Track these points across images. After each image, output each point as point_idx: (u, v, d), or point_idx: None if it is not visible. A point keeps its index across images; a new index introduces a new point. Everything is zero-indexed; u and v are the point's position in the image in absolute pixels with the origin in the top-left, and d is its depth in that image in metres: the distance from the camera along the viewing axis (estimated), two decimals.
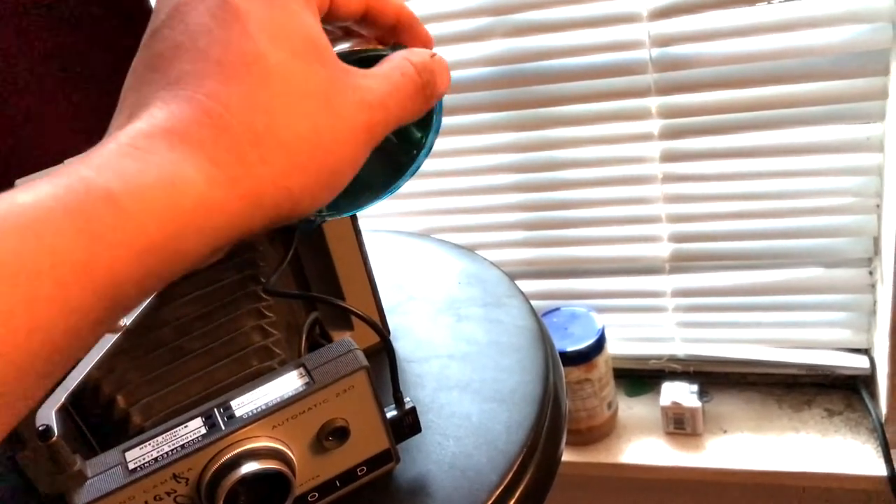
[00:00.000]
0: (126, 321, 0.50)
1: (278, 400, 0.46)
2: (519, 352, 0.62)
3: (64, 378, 0.48)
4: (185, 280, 0.54)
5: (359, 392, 0.48)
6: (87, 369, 0.48)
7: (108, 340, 0.50)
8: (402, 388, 0.52)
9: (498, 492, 0.52)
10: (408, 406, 0.52)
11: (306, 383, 0.47)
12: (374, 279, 0.61)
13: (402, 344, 0.65)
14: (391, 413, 0.51)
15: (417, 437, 0.54)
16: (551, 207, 1.10)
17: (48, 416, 0.44)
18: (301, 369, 0.48)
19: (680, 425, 1.14)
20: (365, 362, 0.48)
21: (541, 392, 0.58)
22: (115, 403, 0.49)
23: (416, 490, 0.53)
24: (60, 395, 0.46)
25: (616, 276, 1.14)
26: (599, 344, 1.09)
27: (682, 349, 1.17)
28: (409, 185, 0.62)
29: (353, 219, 0.58)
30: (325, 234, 0.58)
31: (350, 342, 0.49)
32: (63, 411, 0.45)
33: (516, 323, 0.65)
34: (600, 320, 1.11)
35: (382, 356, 0.50)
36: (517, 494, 0.53)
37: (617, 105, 1.00)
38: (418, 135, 0.52)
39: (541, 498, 0.55)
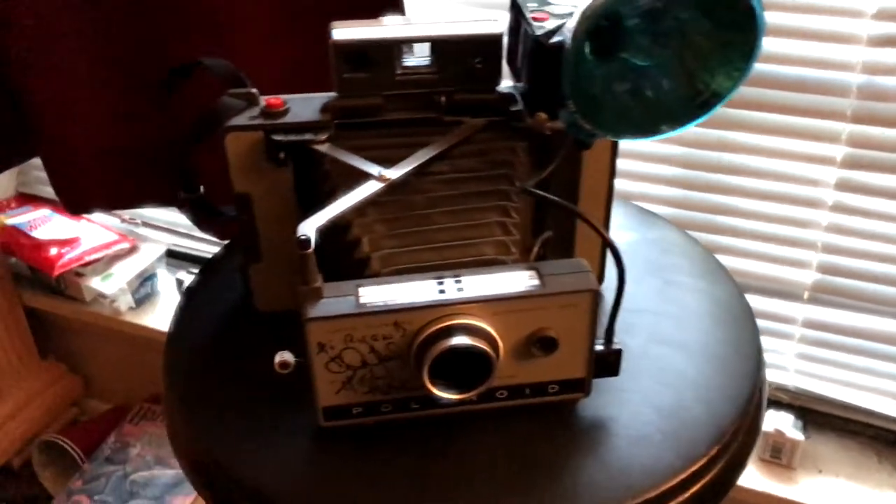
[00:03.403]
0: (392, 174, 0.52)
1: (507, 291, 0.47)
2: (733, 326, 0.62)
3: (324, 207, 0.50)
4: (445, 160, 0.54)
5: (580, 312, 0.49)
6: (347, 207, 0.50)
7: (372, 187, 0.51)
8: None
9: (715, 450, 0.52)
10: (615, 346, 0.52)
11: (535, 286, 0.48)
12: (609, 216, 0.61)
13: (611, 294, 0.65)
14: (599, 346, 0.51)
15: (629, 381, 0.54)
16: (705, 209, 1.09)
17: (310, 230, 0.47)
18: (533, 272, 0.49)
19: (776, 455, 1.13)
20: (596, 286, 0.49)
21: (755, 370, 0.58)
22: (359, 245, 0.51)
23: (607, 430, 0.53)
24: (322, 218, 0.49)
25: (750, 294, 1.12)
26: None
27: (793, 380, 1.16)
28: None
29: (614, 153, 0.58)
30: (583, 161, 0.58)
31: (585, 263, 0.50)
32: (317, 233, 0.47)
33: (729, 300, 0.64)
34: None
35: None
36: (725, 460, 0.53)
37: (807, 122, 0.98)
38: (728, 75, 0.52)
39: (734, 478, 0.55)
